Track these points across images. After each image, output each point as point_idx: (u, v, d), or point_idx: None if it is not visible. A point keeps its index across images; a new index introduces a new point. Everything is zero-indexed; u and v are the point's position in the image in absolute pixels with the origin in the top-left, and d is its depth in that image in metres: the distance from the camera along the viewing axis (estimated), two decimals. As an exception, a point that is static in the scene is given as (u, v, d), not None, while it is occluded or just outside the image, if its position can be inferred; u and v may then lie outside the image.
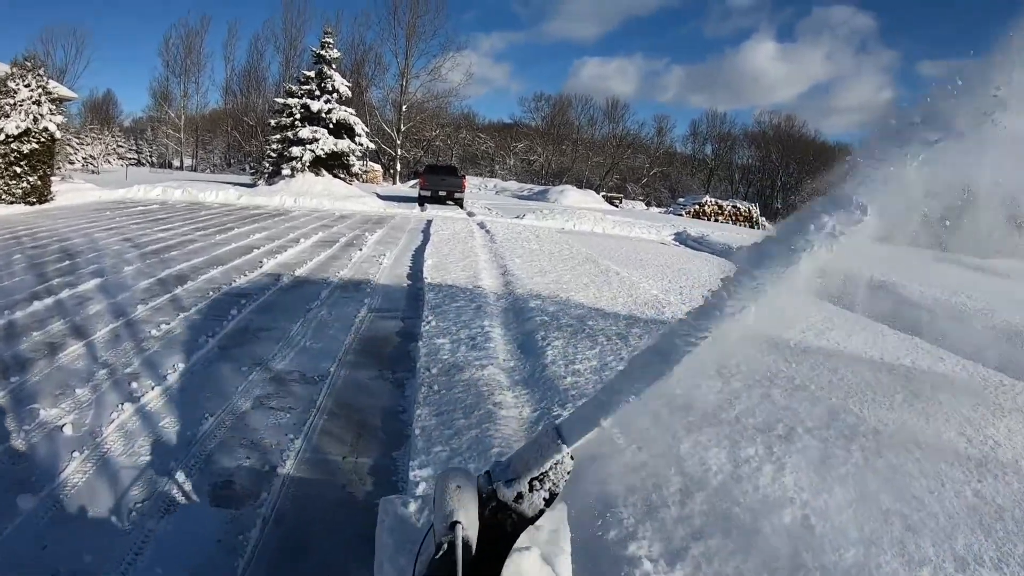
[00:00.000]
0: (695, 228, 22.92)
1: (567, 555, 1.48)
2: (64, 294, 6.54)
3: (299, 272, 8.69)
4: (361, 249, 11.58)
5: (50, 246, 9.57)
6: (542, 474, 1.36)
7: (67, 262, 8.33)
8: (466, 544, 1.19)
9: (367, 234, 14.05)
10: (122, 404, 4.00)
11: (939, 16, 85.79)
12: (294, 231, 13.49)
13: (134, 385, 4.32)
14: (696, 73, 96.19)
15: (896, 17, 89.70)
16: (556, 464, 1.36)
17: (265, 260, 9.31)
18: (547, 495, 1.37)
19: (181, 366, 4.73)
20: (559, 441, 1.37)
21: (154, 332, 5.50)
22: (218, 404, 4.14)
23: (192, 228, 12.80)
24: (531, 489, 1.36)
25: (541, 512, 1.38)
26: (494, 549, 1.30)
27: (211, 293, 6.97)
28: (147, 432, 3.71)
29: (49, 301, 6.24)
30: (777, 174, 68.18)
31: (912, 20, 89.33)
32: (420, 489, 3.05)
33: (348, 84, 27.76)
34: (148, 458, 3.43)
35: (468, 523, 1.22)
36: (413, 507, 2.16)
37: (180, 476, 3.28)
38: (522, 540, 1.36)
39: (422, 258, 10.46)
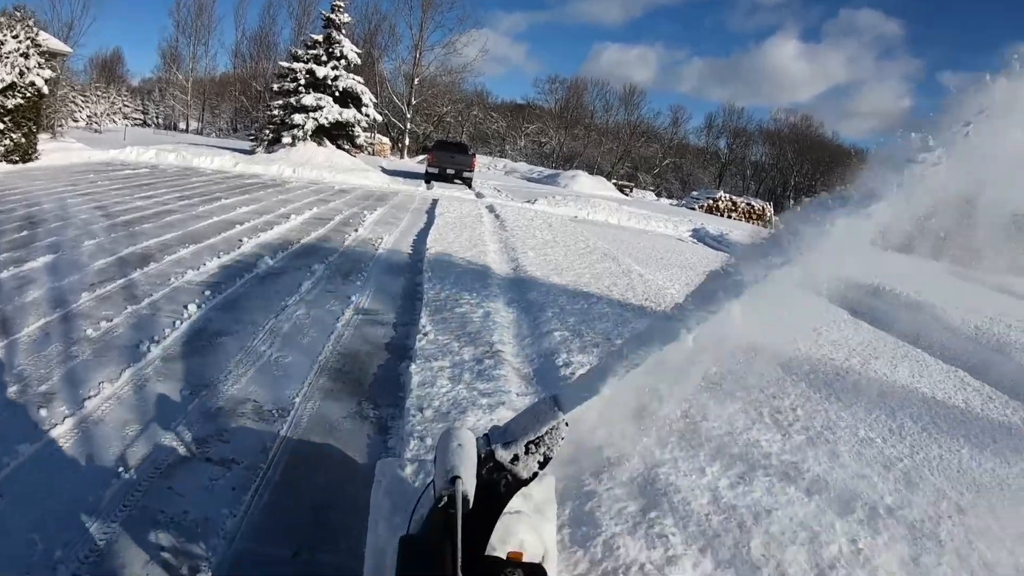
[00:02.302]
0: (713, 225, 21.71)
1: (553, 525, 1.76)
2: (4, 274, 5.50)
3: (281, 256, 7.60)
4: (357, 230, 10.48)
5: (15, 212, 8.48)
6: (538, 438, 1.53)
7: (25, 232, 7.25)
8: (465, 498, 1.30)
9: (366, 212, 12.92)
10: (17, 447, 2.97)
11: (963, 28, 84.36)
12: (286, 205, 12.37)
13: (43, 413, 3.28)
14: (717, 66, 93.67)
15: (922, 26, 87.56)
16: (552, 430, 1.54)
17: (246, 239, 8.23)
18: (541, 459, 1.54)
19: (107, 387, 3.67)
20: (556, 408, 1.56)
21: (91, 332, 4.45)
22: (138, 451, 3.09)
23: (175, 197, 11.65)
24: (527, 452, 1.53)
25: (535, 475, 1.55)
26: (488, 508, 1.46)
27: (172, 280, 5.89)
28: (29, 493, 2.67)
29: (-18, 281, 5.21)
30: (790, 173, 66.41)
31: (937, 30, 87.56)
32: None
33: (358, 52, 26.43)
34: (8, 533, 2.41)
35: (467, 479, 1.34)
36: (410, 469, 2.00)
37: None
38: (513, 504, 1.54)
39: (424, 245, 9.35)
